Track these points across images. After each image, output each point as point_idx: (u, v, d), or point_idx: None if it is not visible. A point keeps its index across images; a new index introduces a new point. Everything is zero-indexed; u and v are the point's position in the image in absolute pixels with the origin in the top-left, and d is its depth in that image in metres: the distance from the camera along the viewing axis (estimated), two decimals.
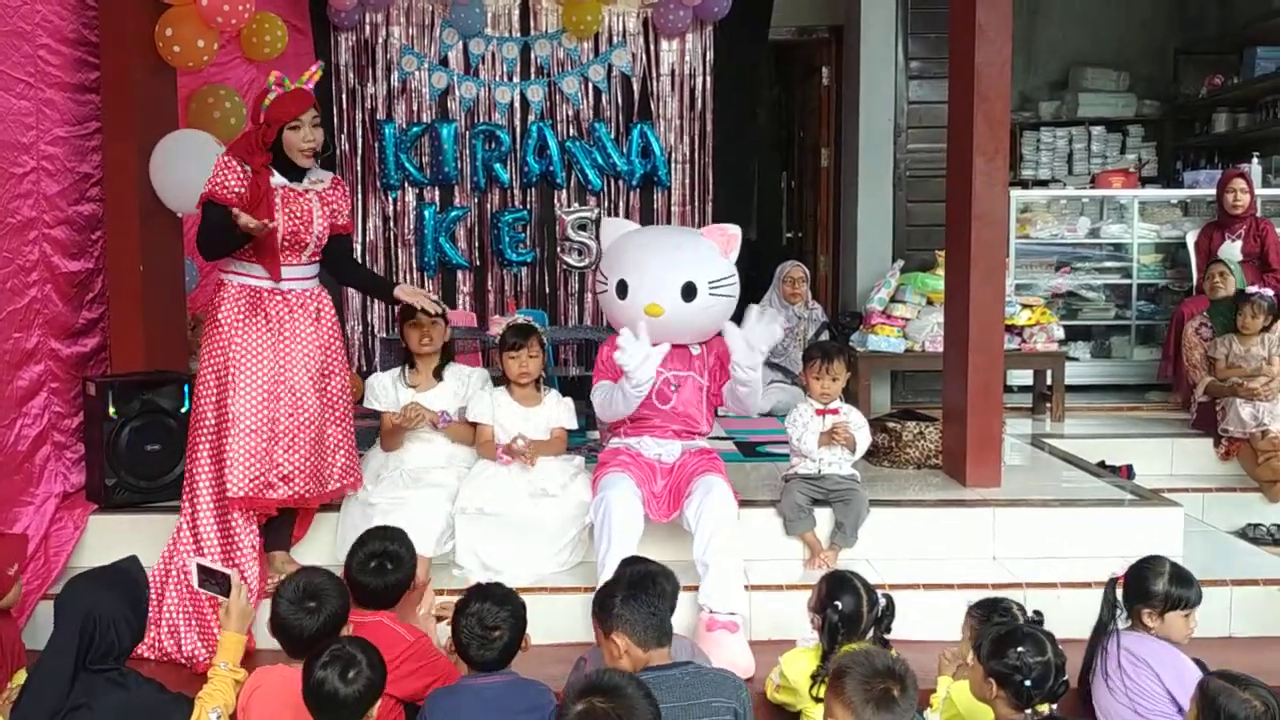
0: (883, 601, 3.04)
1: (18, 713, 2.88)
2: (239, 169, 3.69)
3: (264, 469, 3.70)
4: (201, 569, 3.17)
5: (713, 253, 4.05)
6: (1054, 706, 2.60)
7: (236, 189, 3.67)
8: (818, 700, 2.86)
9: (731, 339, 3.87)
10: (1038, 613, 2.95)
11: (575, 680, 2.34)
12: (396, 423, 4.12)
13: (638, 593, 2.75)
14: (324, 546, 4.09)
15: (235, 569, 3.36)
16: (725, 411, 4.26)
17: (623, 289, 3.98)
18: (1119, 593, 3.12)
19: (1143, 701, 2.94)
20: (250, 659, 3.22)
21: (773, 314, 3.95)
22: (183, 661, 3.61)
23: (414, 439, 4.21)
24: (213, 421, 3.73)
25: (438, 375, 4.26)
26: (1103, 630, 3.11)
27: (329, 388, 3.91)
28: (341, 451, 3.95)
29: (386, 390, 4.23)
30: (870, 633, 3.02)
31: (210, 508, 3.72)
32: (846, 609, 2.96)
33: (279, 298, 3.82)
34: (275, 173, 3.75)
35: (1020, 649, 2.55)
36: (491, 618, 2.75)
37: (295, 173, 3.81)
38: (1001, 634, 2.62)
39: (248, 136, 3.79)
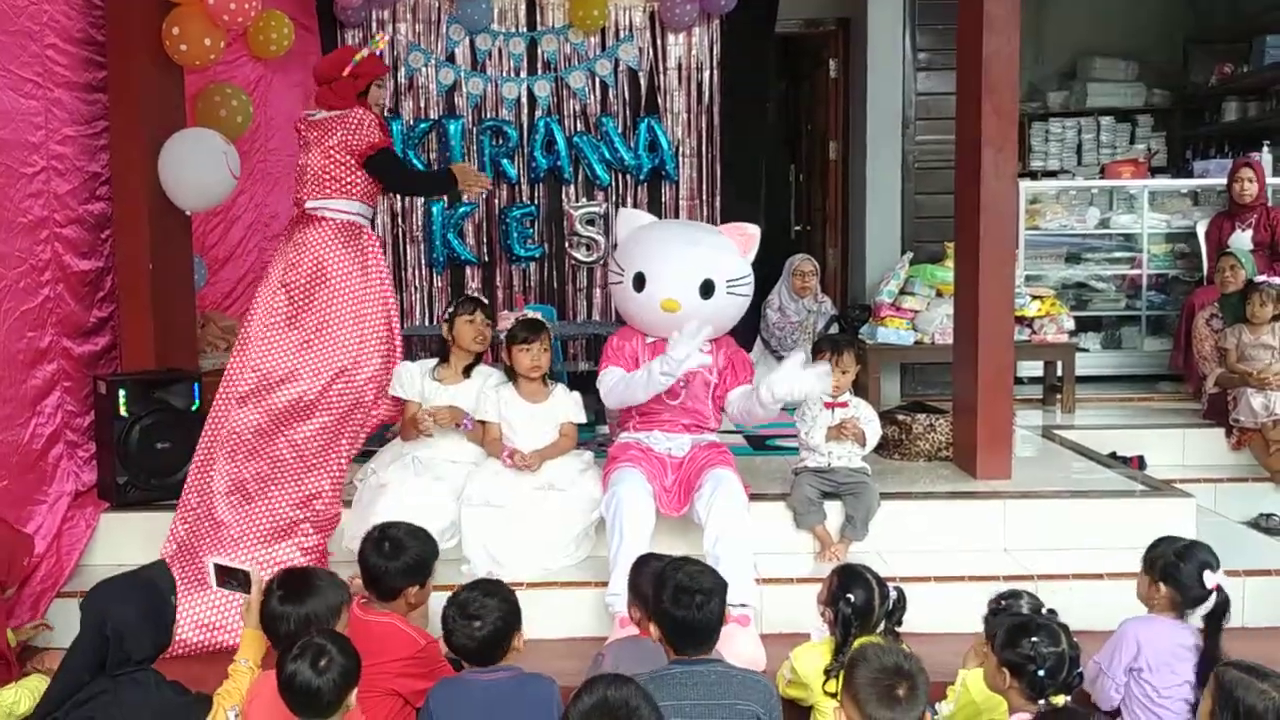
0: (894, 594, 3.04)
1: (39, 709, 2.90)
2: (378, 117, 4.31)
3: None
4: (219, 568, 3.12)
5: (731, 251, 4.05)
6: (1068, 698, 2.59)
7: (388, 135, 4.34)
8: (830, 695, 2.86)
9: (786, 366, 3.77)
10: (1052, 611, 2.94)
11: (586, 694, 2.24)
12: (432, 422, 4.11)
13: (680, 598, 2.68)
14: (334, 542, 4.09)
15: (256, 564, 3.35)
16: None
17: (640, 281, 3.97)
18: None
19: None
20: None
21: (827, 373, 3.89)
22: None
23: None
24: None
25: (467, 373, 4.28)
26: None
27: None
28: None
29: (414, 380, 4.25)
30: (882, 625, 3.01)
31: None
32: (858, 601, 2.96)
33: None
34: None
35: (1034, 639, 2.55)
36: (474, 606, 2.74)
37: None
38: (1015, 624, 2.62)
39: (344, 88, 4.28)
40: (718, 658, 2.74)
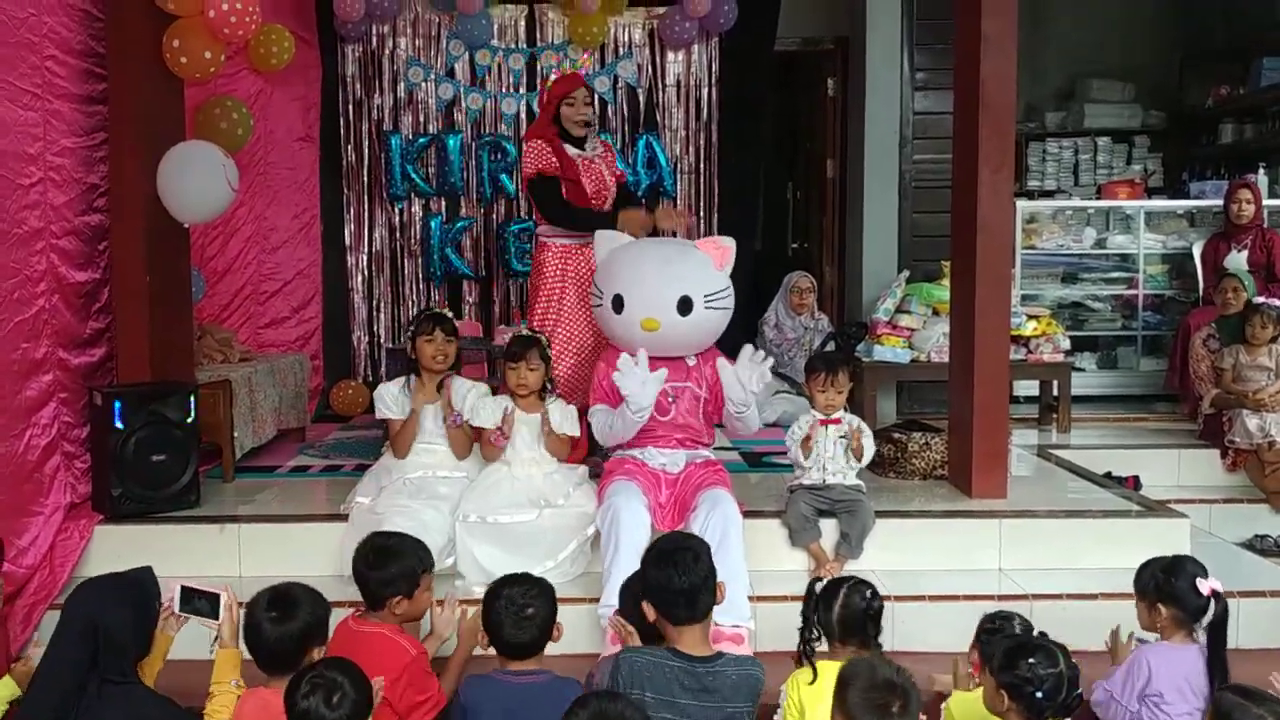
0: (868, 593, 2.89)
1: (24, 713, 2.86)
2: (543, 147, 4.54)
3: None
4: (186, 590, 2.99)
5: (707, 266, 4.06)
6: None
7: (553, 162, 4.53)
8: (806, 661, 2.82)
9: (724, 376, 4.03)
10: (1043, 634, 2.91)
11: (580, 709, 2.28)
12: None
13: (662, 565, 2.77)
14: (330, 557, 4.07)
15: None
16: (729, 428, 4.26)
17: (618, 304, 4.00)
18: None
19: None
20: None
21: (760, 355, 4.02)
22: None
23: (416, 449, 4.23)
24: None
25: (439, 388, 4.27)
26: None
27: None
28: None
29: (397, 399, 4.26)
30: (866, 630, 2.92)
31: None
32: (823, 587, 2.91)
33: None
34: (567, 145, 4.61)
35: (1032, 660, 2.52)
36: (523, 597, 2.80)
37: (577, 143, 4.67)
38: (1013, 645, 2.60)
39: (543, 116, 4.75)
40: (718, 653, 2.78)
